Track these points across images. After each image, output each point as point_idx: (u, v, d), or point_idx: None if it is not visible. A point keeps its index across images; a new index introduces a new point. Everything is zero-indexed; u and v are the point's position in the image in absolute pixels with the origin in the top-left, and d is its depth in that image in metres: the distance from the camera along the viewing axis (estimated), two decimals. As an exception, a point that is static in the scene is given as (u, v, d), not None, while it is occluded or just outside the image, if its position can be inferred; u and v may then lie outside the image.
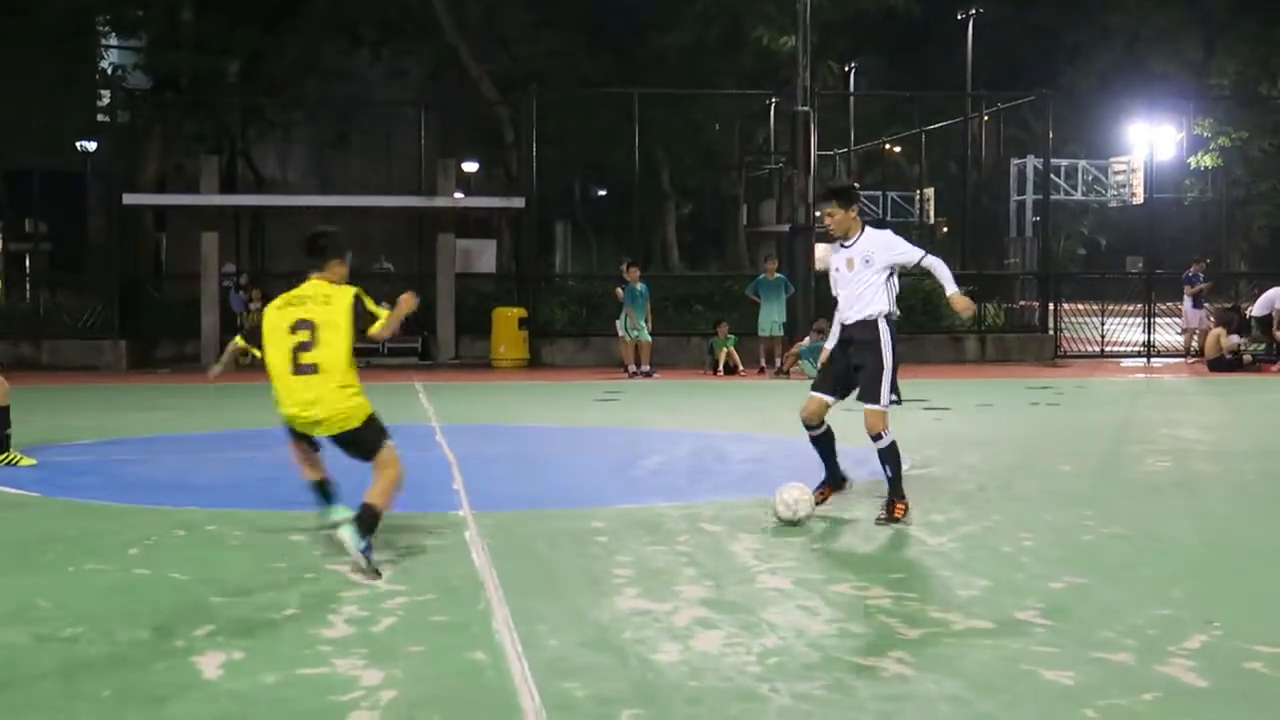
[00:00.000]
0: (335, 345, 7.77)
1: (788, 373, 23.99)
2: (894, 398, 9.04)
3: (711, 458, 12.73)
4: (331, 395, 7.78)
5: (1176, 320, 30.59)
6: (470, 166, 45.49)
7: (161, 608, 6.75)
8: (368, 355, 27.86)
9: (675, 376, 24.06)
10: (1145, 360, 29.02)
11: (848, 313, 9.13)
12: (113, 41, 38.92)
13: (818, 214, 26.64)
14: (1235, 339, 26.22)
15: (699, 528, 8.69)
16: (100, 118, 36.86)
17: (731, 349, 24.95)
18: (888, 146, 49.45)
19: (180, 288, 31.17)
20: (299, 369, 7.79)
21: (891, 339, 9.01)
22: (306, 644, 6.05)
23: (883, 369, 8.95)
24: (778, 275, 25.21)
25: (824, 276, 28.69)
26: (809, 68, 26.60)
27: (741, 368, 24.84)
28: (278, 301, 7.96)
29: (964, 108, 35.51)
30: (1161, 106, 41.32)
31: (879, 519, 9.01)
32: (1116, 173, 48.37)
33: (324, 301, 7.84)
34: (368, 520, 7.58)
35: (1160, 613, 6.58)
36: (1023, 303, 32.87)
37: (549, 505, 9.69)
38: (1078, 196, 50.71)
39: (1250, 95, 46.63)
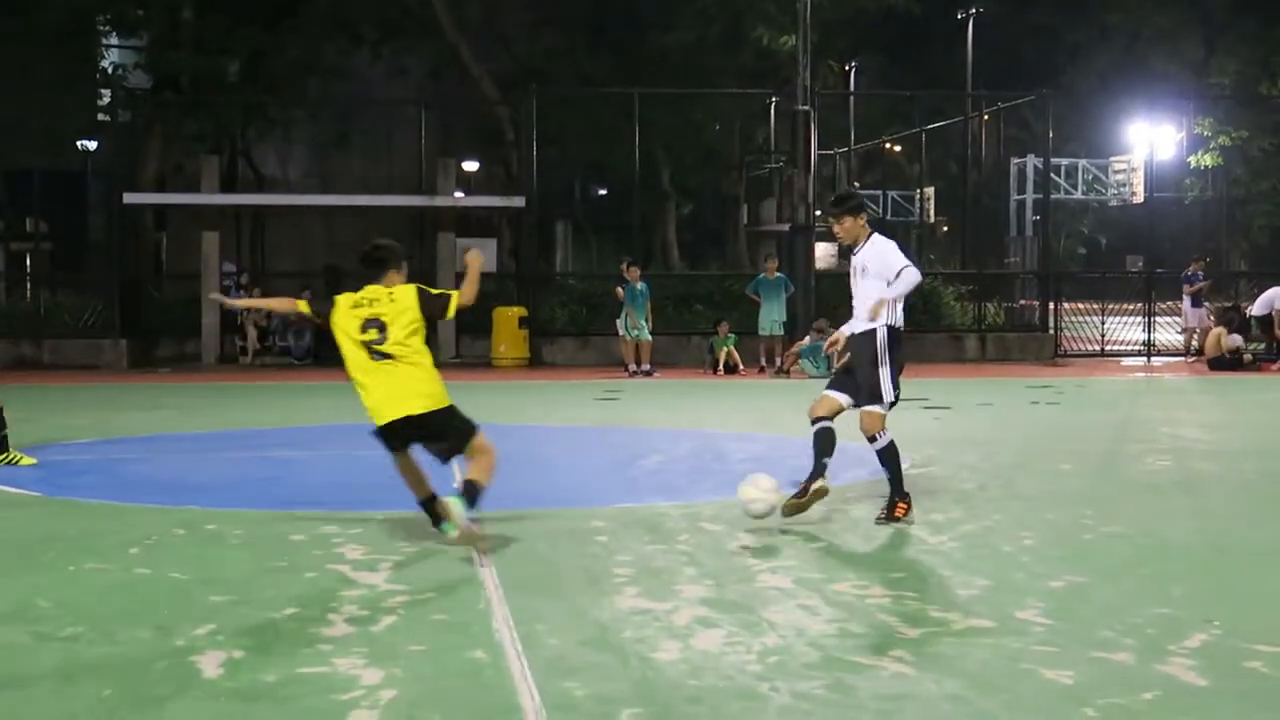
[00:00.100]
0: (408, 335, 8.11)
1: (788, 372, 23.99)
2: (892, 399, 9.03)
3: (711, 457, 12.73)
4: (414, 377, 8.09)
5: (1176, 319, 30.60)
6: (471, 165, 45.48)
7: (162, 607, 6.76)
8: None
9: (675, 376, 24.07)
10: (1145, 359, 29.02)
11: (854, 319, 9.15)
12: (113, 41, 38.91)
13: (818, 214, 26.89)
14: (1236, 339, 26.22)
15: (699, 527, 8.70)
16: (101, 117, 36.83)
17: (732, 348, 24.95)
18: (888, 146, 49.43)
19: (181, 287, 31.18)
20: (376, 355, 8.09)
21: (889, 347, 8.98)
22: (306, 643, 6.06)
23: (876, 374, 8.95)
24: (778, 274, 25.21)
25: (824, 276, 28.81)
26: (809, 67, 26.60)
27: (742, 367, 24.84)
28: (343, 307, 8.22)
29: (964, 107, 35.50)
30: (1162, 106, 41.30)
31: (879, 518, 9.02)
32: (1117, 172, 48.35)
33: (389, 299, 8.17)
34: (472, 493, 7.96)
35: (1160, 612, 6.58)
36: (1023, 302, 32.87)
37: (549, 504, 9.69)
38: (1078, 196, 50.69)
39: (1250, 95, 46.60)
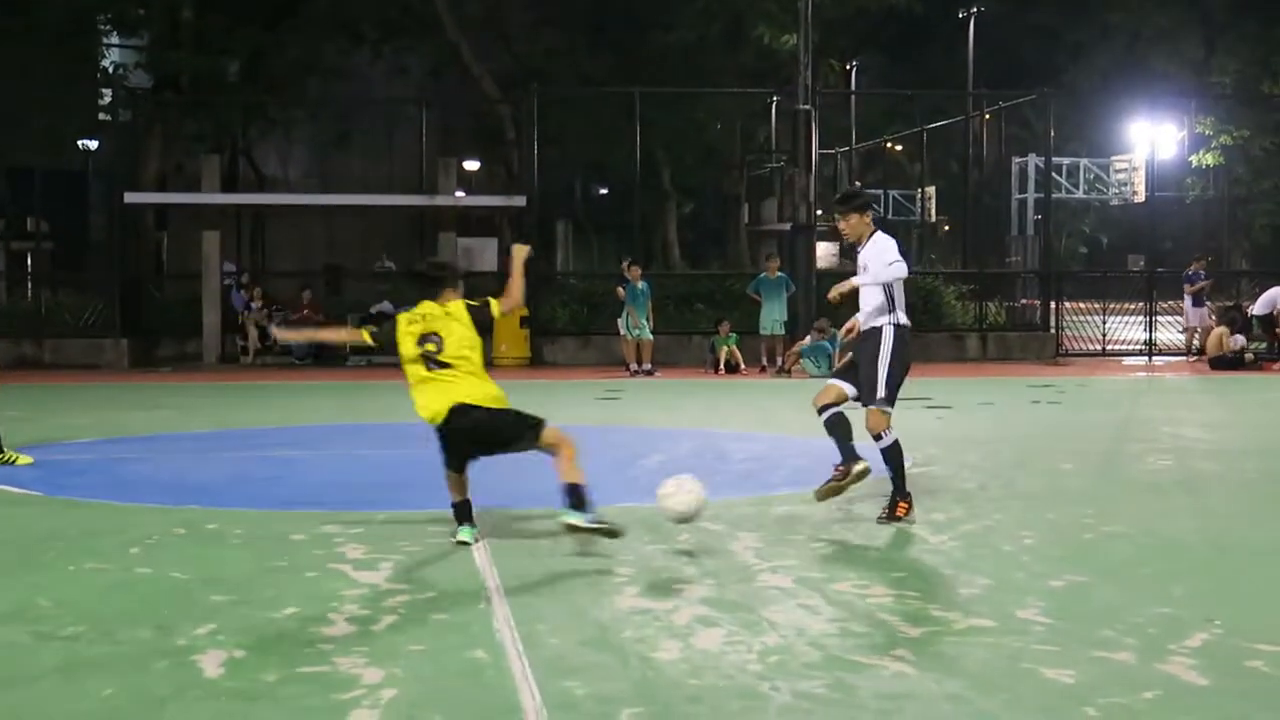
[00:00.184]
0: (465, 346, 8.22)
1: (789, 371, 23.98)
2: (885, 396, 9.03)
3: (712, 456, 12.72)
4: (470, 383, 8.17)
5: (1178, 319, 30.60)
6: (471, 165, 45.48)
7: (162, 606, 6.76)
8: (369, 354, 27.90)
9: (676, 375, 24.06)
10: (1147, 359, 29.02)
11: (861, 316, 9.17)
12: (114, 40, 38.91)
13: (819, 213, 26.89)
14: (1240, 339, 26.22)
15: (700, 526, 8.69)
16: (101, 117, 36.85)
17: (733, 347, 24.95)
18: (889, 145, 49.43)
19: (181, 286, 31.16)
20: (433, 365, 8.18)
21: (893, 345, 8.98)
22: (307, 642, 6.06)
23: (877, 373, 8.96)
24: (779, 274, 25.21)
25: (825, 275, 28.79)
26: (810, 66, 26.60)
27: (743, 366, 24.83)
28: (401, 325, 8.33)
29: (965, 106, 35.48)
30: (1163, 105, 41.26)
31: (880, 517, 9.02)
32: (1118, 171, 48.32)
33: (444, 314, 8.30)
34: (578, 497, 7.99)
35: (1161, 611, 6.58)
36: (1024, 301, 32.87)
37: (550, 504, 9.68)
38: (1079, 195, 50.66)
39: (1251, 94, 46.58)
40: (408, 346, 8.26)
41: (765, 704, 5.20)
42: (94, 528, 8.97)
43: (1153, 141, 36.75)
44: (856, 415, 9.17)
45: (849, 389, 9.14)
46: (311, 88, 40.83)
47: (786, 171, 30.51)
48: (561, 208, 48.53)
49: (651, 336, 24.48)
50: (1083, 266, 53.86)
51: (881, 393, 8.97)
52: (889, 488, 9.12)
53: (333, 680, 5.49)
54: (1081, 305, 31.74)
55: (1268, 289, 28.54)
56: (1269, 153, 46.89)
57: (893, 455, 9.04)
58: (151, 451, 13.41)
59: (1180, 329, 30.39)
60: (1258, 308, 27.92)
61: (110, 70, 36.18)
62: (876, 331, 9.03)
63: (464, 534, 8.29)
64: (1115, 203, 50.93)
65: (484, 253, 33.01)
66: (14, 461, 11.81)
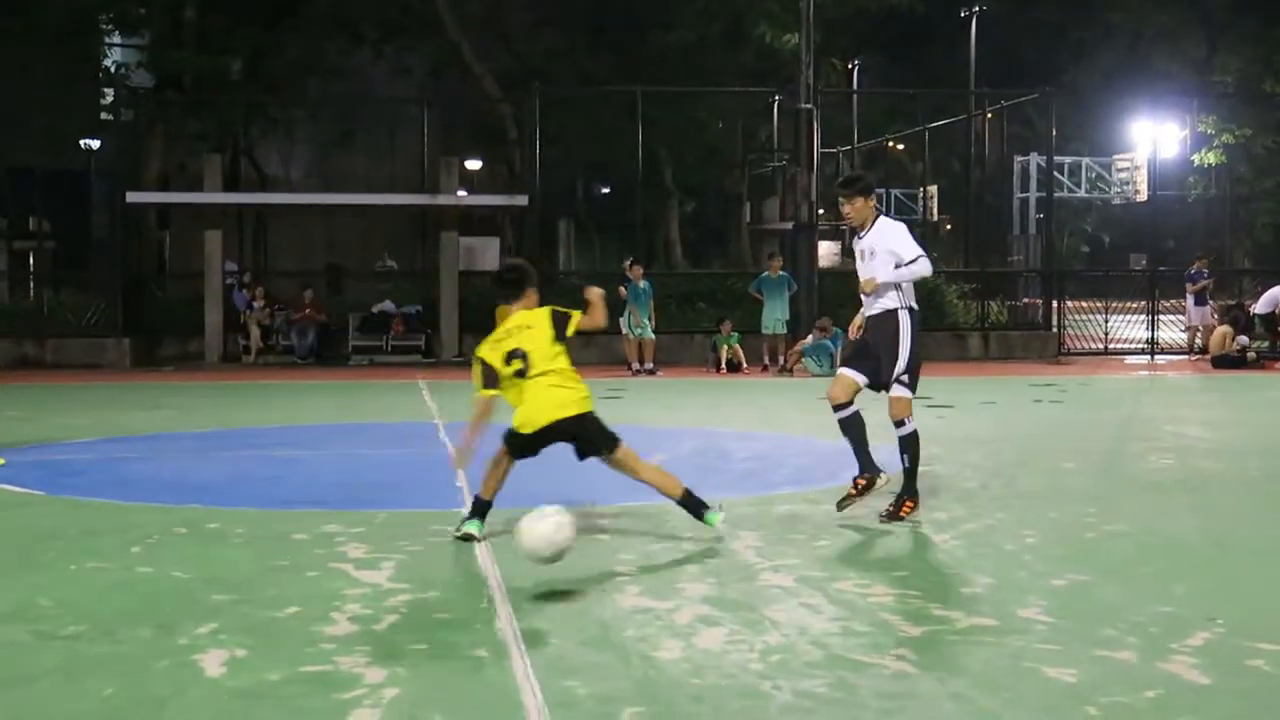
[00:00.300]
0: (550, 356, 8.26)
1: (791, 370, 23.99)
2: (907, 376, 9.06)
3: (714, 455, 12.72)
4: (563, 386, 8.25)
5: (1180, 317, 30.59)
6: (473, 164, 45.48)
7: (163, 606, 6.75)
8: (371, 353, 27.90)
9: (678, 374, 24.07)
10: (1149, 357, 29.01)
11: (867, 305, 9.18)
12: (116, 40, 38.93)
13: (821, 212, 26.90)
14: (1244, 340, 26.22)
15: (701, 525, 8.68)
16: (104, 116, 36.87)
17: (735, 346, 24.95)
18: (891, 144, 49.44)
19: (184, 286, 31.17)
20: (522, 376, 8.23)
21: (911, 330, 9.02)
22: (309, 642, 6.05)
23: (898, 356, 8.96)
24: (781, 273, 25.21)
25: (827, 274, 28.80)
26: (812, 65, 26.60)
27: (745, 365, 24.84)
28: (487, 347, 8.37)
29: (967, 105, 35.49)
30: (1165, 104, 41.28)
31: (883, 515, 9.00)
32: (1120, 170, 48.32)
33: (525, 327, 8.34)
34: (692, 501, 8.32)
35: (1163, 610, 6.57)
36: (1026, 300, 32.88)
37: (553, 503, 9.68)
38: (1081, 194, 50.66)
39: (1253, 92, 46.60)
40: (498, 364, 8.28)
41: (767, 703, 5.20)
42: (95, 527, 8.97)
43: (1155, 140, 36.78)
44: (868, 413, 9.16)
45: (860, 378, 9.11)
46: (313, 87, 40.84)
47: (788, 170, 30.56)
48: (563, 207, 48.57)
49: (653, 336, 24.49)
50: (1085, 265, 53.88)
51: (905, 376, 8.97)
52: (895, 487, 9.10)
53: (335, 679, 5.49)
54: (1083, 304, 31.75)
55: (1269, 287, 28.55)
56: (1271, 151, 46.92)
57: (911, 444, 9.04)
58: (153, 451, 13.41)
59: (1182, 328, 30.39)
60: (1260, 306, 27.92)
61: (112, 70, 36.21)
62: (891, 315, 9.02)
63: (472, 526, 8.29)
64: (1117, 202, 50.94)
65: (486, 252, 32.99)
66: None
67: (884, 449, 9.41)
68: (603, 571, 7.53)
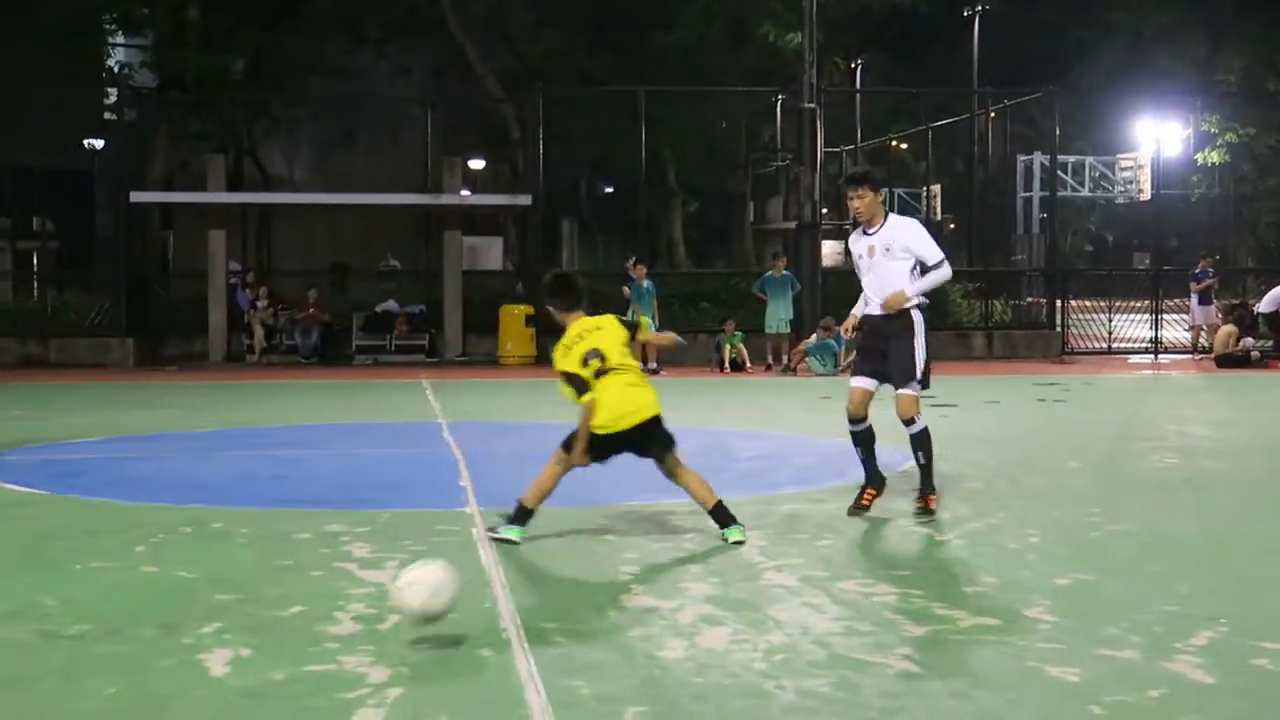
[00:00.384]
0: (625, 353, 8.39)
1: (795, 370, 23.99)
2: (922, 377, 9.09)
3: (718, 455, 12.71)
4: (639, 384, 8.33)
5: (1183, 316, 30.58)
6: (476, 164, 45.50)
7: (167, 605, 6.75)
8: (375, 353, 27.91)
9: (682, 374, 24.05)
10: (1153, 357, 28.99)
11: (871, 302, 9.16)
12: (119, 39, 38.95)
13: (824, 211, 26.89)
14: (1250, 341, 26.21)
15: (705, 525, 8.68)
16: (107, 116, 36.90)
17: (739, 346, 24.95)
18: (894, 143, 49.39)
19: (187, 286, 31.20)
20: (600, 374, 8.28)
21: (924, 329, 9.06)
22: (313, 641, 6.05)
23: (914, 353, 8.98)
24: (784, 272, 25.22)
25: (830, 273, 28.79)
26: (815, 64, 26.60)
27: (749, 365, 24.83)
28: (562, 357, 8.45)
29: (970, 104, 35.47)
30: (1168, 103, 41.24)
31: (918, 512, 9.08)
32: (1123, 169, 48.28)
33: (597, 329, 8.43)
34: (722, 512, 8.33)
35: (1167, 609, 6.57)
36: (1030, 299, 32.87)
37: (555, 502, 9.67)
38: (1085, 193, 50.62)
39: (1256, 92, 46.56)
40: (581, 370, 8.32)
41: (770, 702, 5.20)
42: (99, 526, 8.97)
43: (1158, 139, 36.77)
44: (877, 414, 9.17)
45: (872, 385, 9.15)
46: (316, 87, 40.87)
47: (792, 170, 30.52)
48: (566, 207, 48.57)
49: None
50: (1088, 264, 53.87)
51: (919, 376, 8.99)
52: (901, 486, 9.11)
53: (339, 679, 5.49)
54: (1087, 303, 31.75)
55: (1273, 286, 28.52)
56: (1274, 150, 46.87)
57: (924, 441, 9.08)
58: (157, 450, 13.41)
59: (1186, 327, 30.38)
60: (1263, 305, 27.90)
61: (115, 69, 36.21)
62: (904, 314, 9.03)
63: (512, 532, 8.27)
64: (1121, 201, 50.90)
65: (489, 251, 33.04)
66: None
67: (889, 449, 9.43)
68: (606, 571, 7.53)
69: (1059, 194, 38.44)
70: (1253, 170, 47.87)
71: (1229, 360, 25.71)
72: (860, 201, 9.15)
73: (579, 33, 42.11)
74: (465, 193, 30.60)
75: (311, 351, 27.98)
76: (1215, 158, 45.01)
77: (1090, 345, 29.97)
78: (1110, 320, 30.38)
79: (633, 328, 8.57)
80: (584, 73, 39.74)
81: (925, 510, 9.08)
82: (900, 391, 9.03)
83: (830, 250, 36.14)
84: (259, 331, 27.91)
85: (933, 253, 9.08)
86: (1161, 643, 5.97)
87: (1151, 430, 14.99)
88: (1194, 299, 29.41)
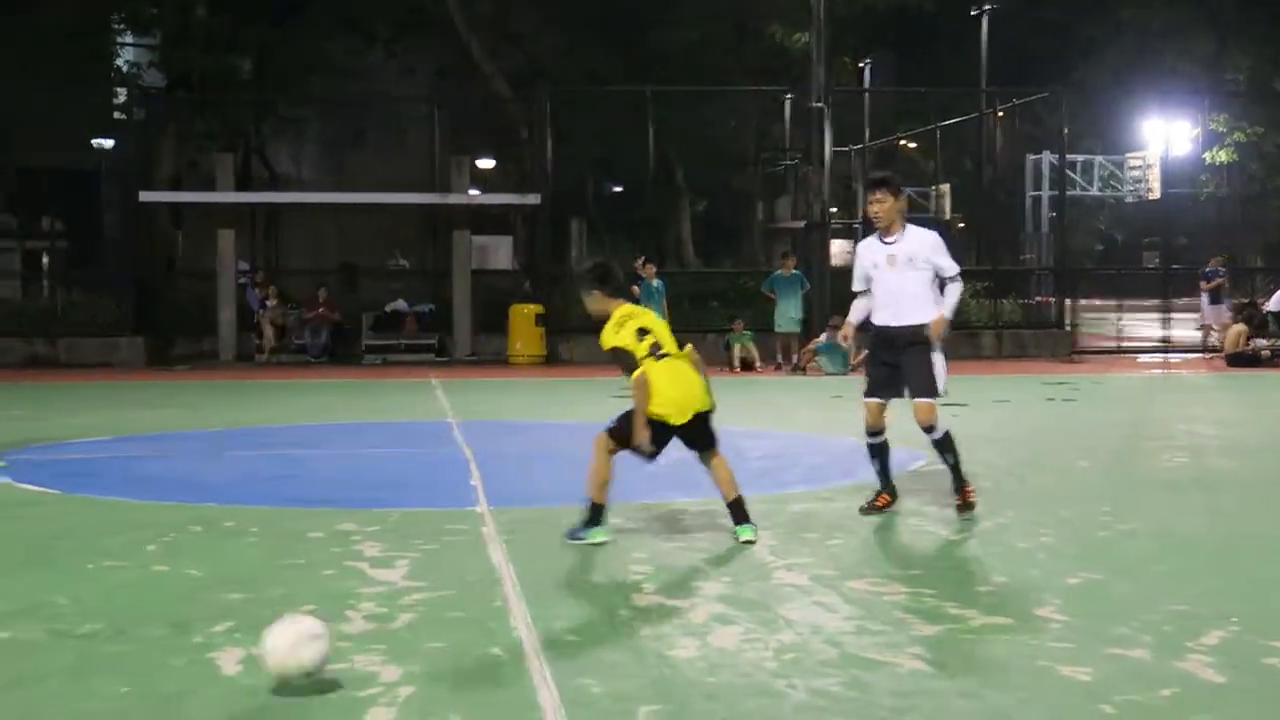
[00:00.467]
0: (674, 343, 8.42)
1: (804, 369, 23.98)
2: (943, 390, 9.09)
3: (728, 454, 12.56)
4: (694, 372, 8.41)
5: (1193, 315, 30.55)
6: (485, 163, 45.50)
7: (178, 604, 6.76)
8: (384, 352, 27.93)
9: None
10: (1162, 356, 28.96)
11: (886, 312, 9.08)
12: (127, 39, 38.98)
13: (833, 210, 26.88)
14: (1261, 342, 26.18)
15: (716, 524, 8.69)
16: (116, 115, 36.93)
17: (748, 345, 24.94)
18: (902, 142, 49.34)
19: (196, 285, 31.24)
20: (658, 356, 8.29)
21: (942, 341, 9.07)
22: (324, 640, 6.05)
23: (935, 368, 8.97)
24: (794, 271, 25.21)
25: (839, 273, 28.73)
26: (824, 63, 26.59)
27: (758, 364, 24.83)
28: (608, 333, 8.42)
29: (978, 103, 35.43)
30: (1176, 102, 41.18)
31: (959, 508, 9.11)
32: (1132, 168, 48.19)
33: (644, 313, 8.57)
34: (740, 509, 8.34)
35: (1177, 608, 6.56)
36: (1039, 298, 32.84)
37: (566, 501, 9.67)
38: (1093, 192, 50.53)
39: (1264, 91, 46.49)
40: (634, 346, 8.28)
41: (781, 701, 5.20)
42: (109, 525, 8.98)
43: (1166, 138, 36.75)
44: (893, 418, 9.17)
45: (883, 400, 9.16)
46: (323, 87, 40.90)
47: (800, 169, 30.54)
48: (575, 206, 48.57)
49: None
50: (1097, 263, 53.78)
51: (940, 387, 8.99)
52: (912, 486, 9.11)
53: (350, 678, 5.49)
54: (1096, 302, 31.76)
55: (1281, 286, 28.50)
56: (1282, 149, 46.79)
57: (948, 444, 9.09)
58: (166, 449, 13.43)
59: (1196, 326, 30.35)
60: (1273, 304, 27.87)
61: (124, 69, 36.25)
62: (922, 325, 8.97)
63: (598, 534, 8.25)
64: (1129, 200, 50.80)
65: (498, 250, 33.03)
66: None
67: (897, 450, 9.44)
68: (618, 570, 7.53)
69: (1068, 193, 38.37)
70: (1261, 169, 47.80)
71: (1240, 359, 25.68)
72: (880, 206, 9.05)
73: (586, 32, 42.09)
74: (474, 192, 30.61)
75: (321, 351, 28.01)
76: (1224, 157, 44.93)
77: (1100, 344, 29.96)
78: (1120, 319, 30.35)
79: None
80: (591, 72, 39.72)
81: (966, 505, 9.11)
82: (918, 400, 9.01)
83: (839, 249, 36.07)
84: (268, 331, 27.94)
85: (951, 265, 9.06)
86: (1172, 642, 5.96)
87: (1161, 429, 14.98)
88: (1204, 298, 29.38)
